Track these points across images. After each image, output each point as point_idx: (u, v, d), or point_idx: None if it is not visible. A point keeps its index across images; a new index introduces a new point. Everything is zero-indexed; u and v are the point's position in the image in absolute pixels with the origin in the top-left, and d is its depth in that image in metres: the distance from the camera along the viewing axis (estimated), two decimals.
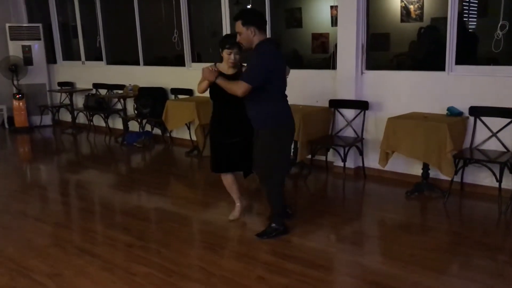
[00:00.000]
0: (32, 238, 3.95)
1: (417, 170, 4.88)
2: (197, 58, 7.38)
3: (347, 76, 5.35)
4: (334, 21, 7.33)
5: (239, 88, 3.44)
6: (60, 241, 3.91)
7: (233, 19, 3.58)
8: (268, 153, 3.64)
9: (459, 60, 4.80)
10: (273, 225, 3.82)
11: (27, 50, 8.97)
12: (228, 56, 3.78)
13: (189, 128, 6.90)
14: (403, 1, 5.72)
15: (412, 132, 4.52)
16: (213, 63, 3.89)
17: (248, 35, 3.49)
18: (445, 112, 4.76)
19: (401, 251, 3.55)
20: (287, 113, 3.70)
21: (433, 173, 4.73)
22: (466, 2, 4.83)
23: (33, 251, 3.67)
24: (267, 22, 6.17)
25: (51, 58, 9.44)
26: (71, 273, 3.30)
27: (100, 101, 8.26)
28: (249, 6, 6.93)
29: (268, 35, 6.21)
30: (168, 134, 7.46)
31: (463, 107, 4.69)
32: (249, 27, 3.47)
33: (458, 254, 3.56)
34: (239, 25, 3.50)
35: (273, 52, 3.51)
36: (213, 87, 3.75)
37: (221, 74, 3.64)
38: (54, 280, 3.20)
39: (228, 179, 4.16)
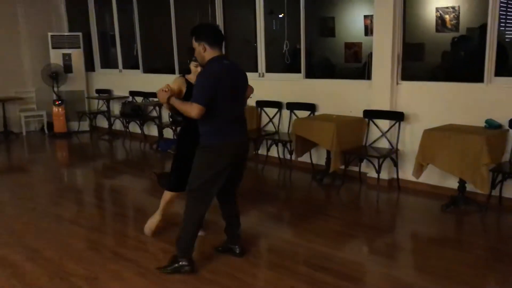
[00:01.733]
0: (69, 241, 4.05)
1: (453, 183, 4.78)
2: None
3: (382, 86, 5.31)
4: (367, 31, 7.31)
5: (192, 110, 3.19)
6: (95, 245, 4.00)
7: (190, 34, 3.41)
8: (199, 171, 3.35)
9: (499, 71, 4.70)
10: (178, 260, 3.42)
11: (67, 58, 9.27)
12: (195, 69, 3.70)
13: None
14: (438, 11, 5.65)
15: (448, 144, 4.44)
16: (180, 75, 3.79)
17: (199, 51, 3.32)
18: (483, 124, 4.65)
19: (436, 265, 3.49)
20: (219, 132, 3.31)
21: (469, 186, 4.62)
22: (503, 11, 4.73)
23: (70, 254, 3.77)
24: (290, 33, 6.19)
25: (89, 66, 9.73)
26: (107, 277, 3.38)
27: (136, 108, 8.45)
28: (281, 16, 6.98)
29: (302, 44, 6.22)
30: None
31: (502, 120, 4.57)
32: (200, 43, 3.30)
33: (496, 271, 3.47)
34: (193, 41, 3.36)
35: (218, 68, 3.27)
36: (186, 96, 3.57)
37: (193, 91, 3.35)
38: (90, 284, 3.28)
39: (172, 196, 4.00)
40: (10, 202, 5.37)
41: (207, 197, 3.39)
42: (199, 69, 3.56)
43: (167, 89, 3.41)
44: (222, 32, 3.46)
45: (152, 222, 4.11)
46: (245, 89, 3.48)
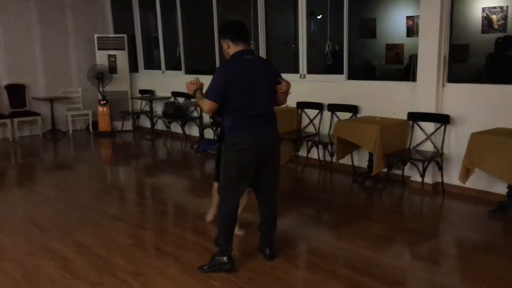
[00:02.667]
0: (115, 237, 4.17)
1: (501, 188, 4.64)
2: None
3: (428, 88, 5.20)
4: (410, 32, 7.18)
5: (204, 105, 3.32)
6: (140, 241, 4.11)
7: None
8: (223, 168, 3.46)
9: None
10: (216, 257, 3.46)
11: (112, 59, 9.53)
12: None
13: None
14: (485, 11, 5.50)
15: (497, 148, 4.31)
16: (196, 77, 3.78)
17: (224, 48, 3.40)
18: None
19: (482, 273, 3.40)
20: (238, 129, 3.33)
21: None
22: None
23: (117, 250, 3.88)
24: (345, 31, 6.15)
25: (133, 67, 9.96)
26: (153, 273, 3.46)
27: (178, 108, 8.59)
28: (319, 17, 6.96)
29: (345, 45, 6.17)
30: None
31: None
32: (224, 40, 3.38)
33: None
34: (220, 38, 3.43)
35: (233, 65, 3.34)
36: None
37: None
38: (137, 279, 3.36)
39: None
40: (58, 198, 5.58)
41: (235, 194, 3.43)
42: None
43: (195, 82, 3.50)
44: (244, 26, 3.45)
45: (211, 213, 4.35)
46: (269, 84, 3.40)
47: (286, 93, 3.50)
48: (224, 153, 3.42)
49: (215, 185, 4.09)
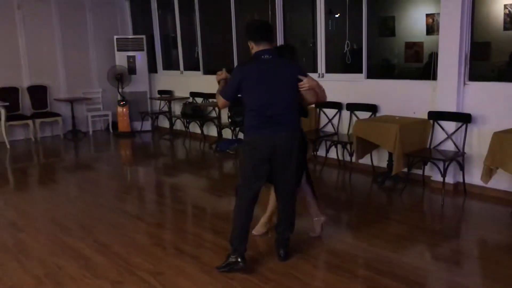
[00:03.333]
0: (135, 237, 4.21)
1: None
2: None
3: (449, 87, 5.13)
4: (429, 30, 7.09)
5: (218, 101, 3.48)
6: (159, 241, 4.14)
7: None
8: (240, 165, 3.58)
9: None
10: (230, 257, 3.46)
11: (131, 60, 9.62)
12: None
13: None
14: (507, 8, 5.40)
15: None
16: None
17: (250, 49, 3.46)
18: None
19: (505, 274, 3.34)
20: (252, 126, 3.39)
21: None
22: None
23: (137, 249, 3.91)
24: (363, 30, 6.10)
25: (152, 68, 10.04)
26: (172, 272, 3.48)
27: (196, 109, 8.64)
28: (337, 15, 6.91)
29: (364, 43, 6.11)
30: None
31: None
32: (249, 41, 3.44)
33: None
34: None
35: (250, 65, 3.42)
36: None
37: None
38: (157, 279, 3.39)
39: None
40: (79, 197, 5.66)
41: (249, 192, 3.45)
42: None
43: (221, 73, 3.57)
44: (266, 26, 3.49)
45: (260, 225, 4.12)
46: (288, 84, 3.38)
47: (312, 90, 3.42)
48: (242, 152, 3.54)
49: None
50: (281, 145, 3.38)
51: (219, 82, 3.57)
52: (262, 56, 3.35)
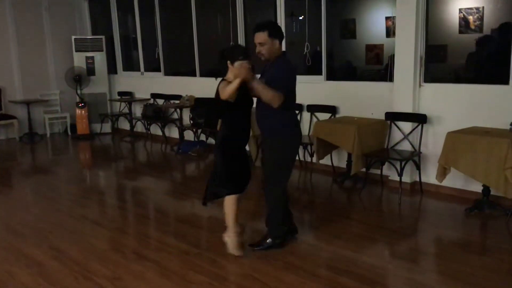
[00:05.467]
0: (93, 242, 4.12)
1: (477, 187, 4.71)
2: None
3: (405, 88, 5.26)
4: (389, 32, 7.25)
5: (279, 98, 3.39)
6: (118, 246, 4.06)
7: (256, 29, 3.55)
8: (275, 161, 3.69)
9: None
10: (269, 239, 3.82)
11: (90, 61, 9.41)
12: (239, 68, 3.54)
13: None
14: (461, 12, 5.58)
15: (473, 147, 4.37)
16: (221, 80, 3.60)
17: (271, 47, 3.52)
18: (507, 127, 4.56)
19: (459, 270, 3.44)
20: (296, 124, 3.81)
21: (494, 190, 4.54)
22: None
23: (94, 254, 3.83)
24: (323, 33, 6.20)
25: (112, 69, 9.85)
26: (130, 277, 3.42)
27: (157, 110, 8.54)
28: (301, 17, 6.97)
29: (323, 46, 6.21)
30: None
31: None
32: (274, 39, 3.53)
33: None
34: (263, 36, 3.49)
35: (291, 66, 3.68)
36: (242, 91, 3.46)
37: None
38: (114, 284, 3.32)
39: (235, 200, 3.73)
40: (35, 202, 5.49)
41: (286, 182, 3.94)
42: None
43: (247, 64, 3.44)
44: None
45: (231, 242, 3.72)
46: None
47: None
48: (285, 148, 3.68)
49: (228, 200, 3.75)
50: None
51: (247, 80, 3.38)
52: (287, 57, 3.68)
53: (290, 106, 3.65)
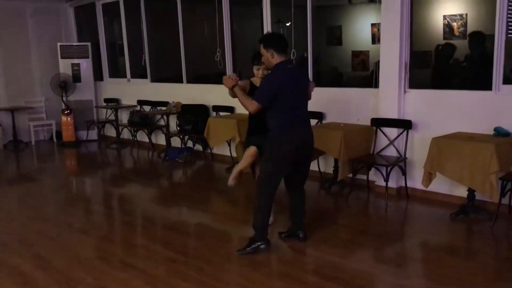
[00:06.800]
0: (78, 250, 4.07)
1: (462, 191, 4.75)
2: (239, 76, 7.48)
3: (390, 94, 5.30)
4: (374, 39, 7.33)
5: (251, 105, 3.74)
6: (104, 254, 4.02)
7: (258, 42, 3.87)
8: (266, 162, 3.86)
9: (506, 79, 4.69)
10: (254, 243, 3.87)
11: (76, 68, 9.35)
12: (257, 72, 4.16)
13: (229, 145, 6.99)
14: (446, 19, 5.66)
15: (457, 152, 4.42)
16: (246, 79, 4.23)
17: (267, 57, 3.79)
18: (491, 132, 4.63)
19: (445, 274, 3.46)
20: (286, 128, 3.81)
21: (479, 194, 4.59)
22: (511, 18, 4.72)
23: (80, 263, 3.78)
24: (300, 41, 6.22)
25: (98, 76, 9.80)
26: (116, 286, 3.38)
27: (144, 117, 8.50)
28: (288, 24, 7.01)
29: (310, 52, 6.24)
30: (209, 150, 7.57)
31: (511, 128, 4.55)
32: (269, 50, 3.77)
33: (506, 280, 3.43)
34: (261, 48, 3.82)
35: (282, 73, 3.77)
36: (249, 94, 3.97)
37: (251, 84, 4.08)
38: None
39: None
40: (20, 211, 5.41)
41: (276, 184, 3.90)
42: (260, 71, 4.11)
43: (234, 78, 3.87)
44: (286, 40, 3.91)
45: (234, 171, 4.25)
46: (306, 89, 3.94)
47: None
48: (276, 151, 3.80)
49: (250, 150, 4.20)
50: (306, 141, 3.92)
51: (231, 87, 3.84)
52: (288, 66, 3.81)
53: (281, 111, 3.75)
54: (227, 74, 4.01)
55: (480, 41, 5.32)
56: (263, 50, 3.80)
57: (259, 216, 3.85)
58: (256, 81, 4.17)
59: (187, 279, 3.45)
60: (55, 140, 9.47)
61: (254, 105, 3.73)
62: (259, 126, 4.00)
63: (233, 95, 3.94)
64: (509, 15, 4.66)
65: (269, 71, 3.94)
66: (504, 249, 4.09)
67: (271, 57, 3.77)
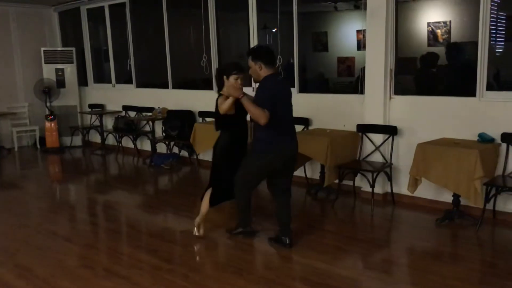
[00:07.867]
0: (62, 259, 4.01)
1: (448, 197, 4.79)
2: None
3: (375, 100, 5.34)
4: (360, 45, 7.38)
5: (264, 115, 3.67)
6: (89, 262, 3.95)
7: (246, 54, 3.94)
8: (247, 165, 3.97)
9: (490, 86, 4.75)
10: (238, 228, 4.29)
11: (60, 73, 9.24)
12: (235, 82, 3.97)
13: None
14: (430, 26, 5.71)
15: (442, 158, 4.46)
16: (218, 95, 4.08)
17: (256, 69, 3.85)
18: (476, 138, 4.68)
19: (433, 280, 3.47)
20: (279, 142, 3.90)
21: (464, 200, 4.63)
22: (493, 25, 4.79)
23: (64, 272, 3.72)
24: (290, 47, 6.24)
25: (82, 81, 9.70)
26: None
27: (129, 123, 8.44)
28: (274, 30, 7.02)
29: (296, 58, 6.26)
30: (195, 156, 7.53)
31: (495, 134, 4.61)
32: (257, 62, 3.83)
33: (490, 285, 3.46)
34: (249, 60, 3.87)
35: (273, 83, 3.84)
36: (238, 107, 3.90)
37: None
38: None
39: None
40: (1, 218, 5.30)
41: (253, 188, 4.22)
42: (239, 81, 3.96)
43: (240, 86, 3.88)
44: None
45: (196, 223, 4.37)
46: (290, 99, 4.01)
47: None
48: (260, 159, 3.91)
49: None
50: (292, 154, 3.99)
51: (240, 98, 3.75)
52: (277, 78, 3.95)
53: (270, 122, 3.71)
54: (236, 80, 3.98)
55: (462, 48, 5.39)
56: (251, 63, 3.84)
57: (240, 210, 4.20)
58: (225, 92, 3.97)
59: (173, 287, 3.41)
60: (38, 146, 9.35)
61: (266, 115, 3.66)
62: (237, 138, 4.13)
63: (229, 108, 3.85)
64: (492, 22, 4.72)
65: (256, 84, 3.98)
66: (488, 254, 4.12)
67: (259, 69, 3.82)
